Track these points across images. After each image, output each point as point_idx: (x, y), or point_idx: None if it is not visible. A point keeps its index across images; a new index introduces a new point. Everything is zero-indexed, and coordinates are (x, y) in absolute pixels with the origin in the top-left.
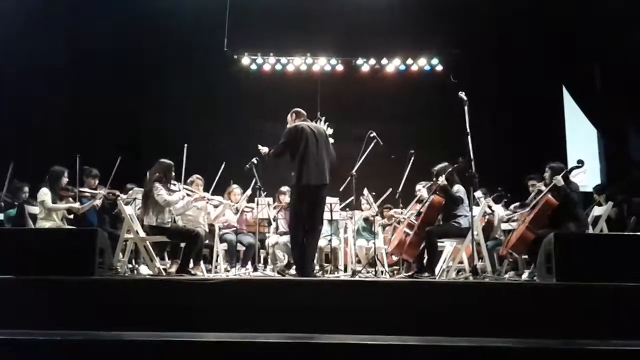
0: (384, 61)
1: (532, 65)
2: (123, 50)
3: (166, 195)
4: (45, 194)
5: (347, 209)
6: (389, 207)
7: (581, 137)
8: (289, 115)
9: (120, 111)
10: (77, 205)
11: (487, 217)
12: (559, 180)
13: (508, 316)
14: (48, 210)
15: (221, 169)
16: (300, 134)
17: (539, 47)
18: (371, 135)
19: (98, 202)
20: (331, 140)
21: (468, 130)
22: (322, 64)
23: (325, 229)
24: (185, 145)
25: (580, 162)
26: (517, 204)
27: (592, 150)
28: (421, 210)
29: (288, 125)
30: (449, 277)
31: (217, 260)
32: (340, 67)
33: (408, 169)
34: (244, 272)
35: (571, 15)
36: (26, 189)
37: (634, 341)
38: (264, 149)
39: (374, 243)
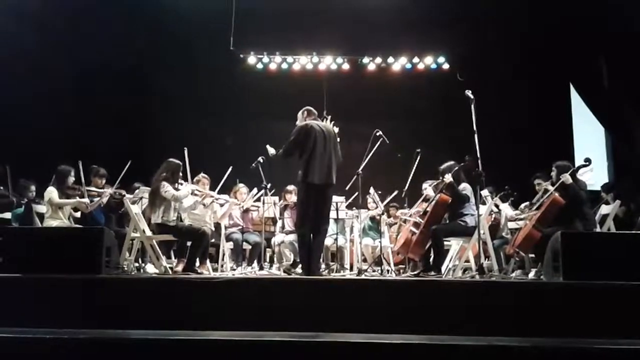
0: (390, 60)
1: (539, 62)
2: (128, 49)
3: (174, 191)
4: (51, 191)
5: (354, 207)
6: (396, 207)
7: (589, 135)
8: (300, 113)
9: (124, 111)
10: (86, 200)
11: (493, 215)
12: (567, 178)
13: (514, 315)
14: (55, 205)
15: (227, 174)
16: (309, 132)
17: (546, 44)
18: (377, 134)
19: (104, 200)
20: (337, 139)
21: (475, 128)
22: (328, 62)
23: (331, 227)
24: (185, 148)
25: (588, 161)
26: (527, 203)
27: (600, 149)
28: (427, 209)
29: (297, 123)
30: (455, 276)
31: (223, 259)
32: (346, 66)
33: (414, 167)
34: (250, 270)
35: (578, 11)
36: (33, 187)
37: None
38: (272, 150)
39: (380, 242)
